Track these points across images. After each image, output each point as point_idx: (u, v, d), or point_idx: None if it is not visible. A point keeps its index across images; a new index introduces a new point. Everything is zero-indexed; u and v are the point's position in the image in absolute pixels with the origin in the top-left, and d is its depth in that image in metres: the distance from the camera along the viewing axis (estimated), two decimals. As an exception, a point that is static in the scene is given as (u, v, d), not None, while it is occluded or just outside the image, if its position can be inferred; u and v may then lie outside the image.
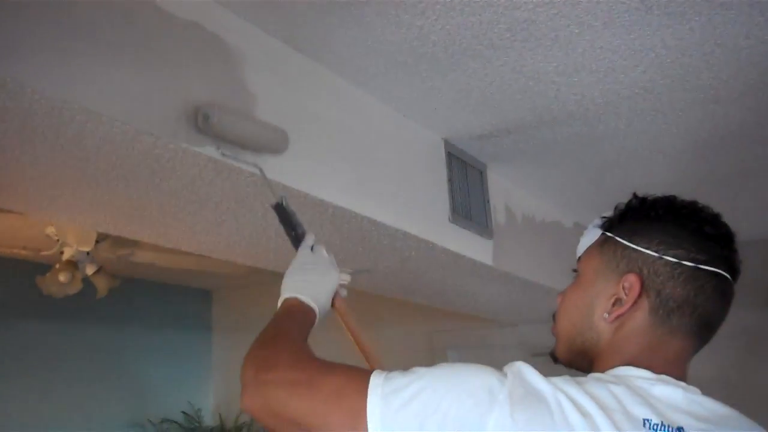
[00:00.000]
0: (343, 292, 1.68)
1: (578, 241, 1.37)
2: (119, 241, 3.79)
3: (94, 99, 1.62)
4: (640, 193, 1.33)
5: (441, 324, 5.40)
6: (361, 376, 1.15)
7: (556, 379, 1.10)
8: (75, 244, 3.75)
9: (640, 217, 1.28)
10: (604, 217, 1.34)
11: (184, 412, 6.03)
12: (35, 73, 1.51)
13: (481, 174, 3.30)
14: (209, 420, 6.23)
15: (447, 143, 3.05)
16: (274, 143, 2.08)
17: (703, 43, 2.27)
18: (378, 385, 1.12)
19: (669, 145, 3.15)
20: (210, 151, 1.89)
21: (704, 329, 1.23)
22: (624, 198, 3.31)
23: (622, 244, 1.26)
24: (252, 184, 2.12)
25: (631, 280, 1.22)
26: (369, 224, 2.55)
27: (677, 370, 1.19)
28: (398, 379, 1.12)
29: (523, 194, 3.74)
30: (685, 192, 3.71)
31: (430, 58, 2.35)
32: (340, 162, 2.40)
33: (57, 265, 3.85)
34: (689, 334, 1.21)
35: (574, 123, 2.89)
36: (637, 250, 1.24)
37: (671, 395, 1.13)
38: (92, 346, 5.48)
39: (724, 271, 1.22)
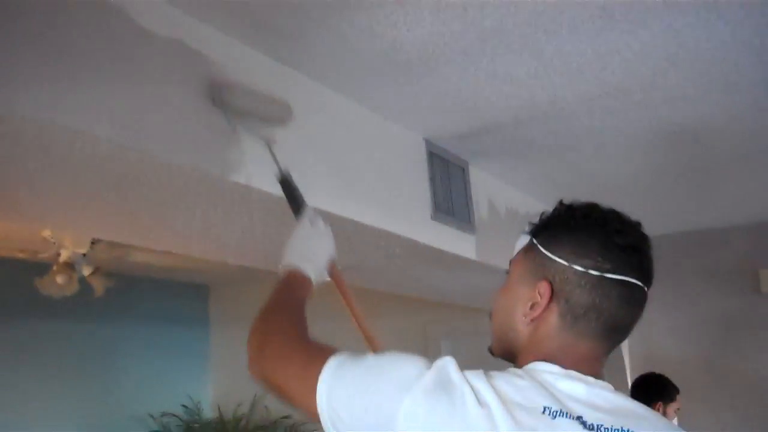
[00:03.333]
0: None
1: None
2: (115, 243, 3.88)
3: (79, 118, 1.71)
4: (567, 200, 1.41)
5: (434, 314, 5.49)
6: (328, 354, 1.29)
7: (469, 373, 1.21)
8: (71, 246, 3.85)
9: (559, 225, 1.36)
10: (532, 224, 1.43)
11: (183, 406, 6.14)
12: (23, 97, 1.61)
13: (463, 171, 3.40)
14: (209, 413, 6.34)
15: (428, 143, 3.14)
16: (280, 114, 2.22)
17: (667, 45, 2.37)
18: (332, 366, 1.26)
19: (643, 139, 3.25)
20: (196, 160, 1.99)
21: (612, 332, 1.31)
22: (604, 188, 3.40)
23: (541, 251, 1.34)
24: (237, 192, 2.22)
25: (544, 287, 1.31)
26: (352, 225, 2.64)
27: (588, 368, 1.28)
28: (349, 362, 1.27)
29: (506, 188, 3.84)
30: (663, 183, 3.80)
31: (405, 65, 2.45)
32: (322, 166, 2.49)
33: (54, 267, 3.95)
34: (596, 337, 1.30)
35: (550, 121, 2.98)
36: (551, 258, 1.32)
37: (574, 388, 1.22)
38: (91, 343, 5.58)
39: (632, 278, 1.30)
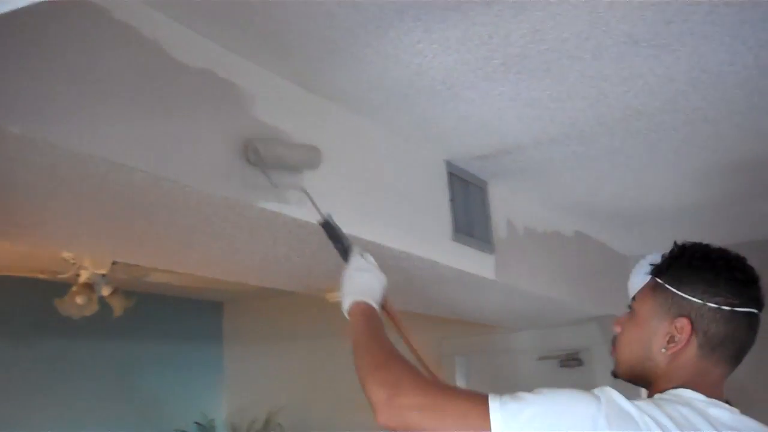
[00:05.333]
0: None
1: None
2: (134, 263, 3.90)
3: (115, 151, 1.74)
4: (680, 242, 1.62)
5: (448, 331, 5.49)
6: (481, 401, 1.40)
7: (639, 403, 1.39)
8: (91, 267, 3.86)
9: (683, 265, 1.56)
10: (652, 264, 1.61)
11: (197, 423, 6.15)
12: (61, 131, 1.63)
13: (482, 191, 3.42)
14: (222, 430, 6.35)
15: (449, 164, 3.16)
16: (312, 160, 2.28)
17: (690, 70, 2.39)
18: (497, 410, 1.37)
19: (663, 159, 3.27)
20: (227, 190, 2.02)
21: (739, 357, 1.53)
22: (623, 205, 3.46)
23: (672, 291, 1.54)
24: (263, 217, 2.24)
25: (683, 323, 1.51)
26: (374, 248, 2.65)
27: (720, 393, 1.51)
28: (512, 404, 1.38)
29: (524, 207, 3.85)
30: (679, 199, 3.78)
31: (429, 91, 2.47)
32: (344, 188, 2.51)
33: (74, 288, 3.96)
34: (728, 362, 1.52)
35: (570, 142, 3.00)
36: (685, 297, 1.51)
37: (721, 415, 1.42)
38: (108, 361, 5.61)
39: (753, 308, 1.51)
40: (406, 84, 2.42)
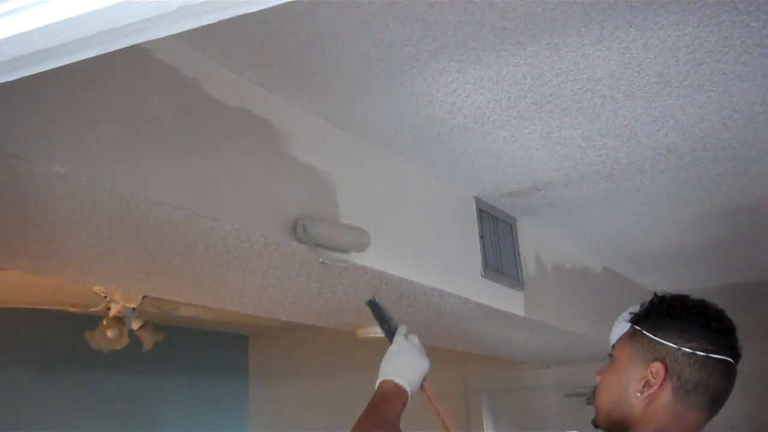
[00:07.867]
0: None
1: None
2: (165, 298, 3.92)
3: (157, 189, 1.77)
4: (660, 292, 1.68)
5: (474, 367, 5.48)
6: None
7: None
8: (121, 301, 3.89)
9: (661, 314, 1.61)
10: (632, 313, 1.67)
11: (223, 457, 6.15)
12: (105, 170, 1.66)
13: (511, 228, 3.43)
14: (248, 464, 6.35)
15: (478, 200, 3.18)
16: (360, 244, 2.34)
17: (721, 109, 2.40)
18: None
19: (693, 196, 3.27)
20: (265, 226, 2.04)
21: (714, 404, 1.56)
22: (651, 242, 3.52)
23: (648, 337, 1.59)
24: (297, 254, 2.26)
25: (657, 367, 1.55)
26: (406, 284, 2.67)
27: None
28: None
29: (552, 243, 3.86)
30: (708, 235, 3.81)
31: (461, 129, 2.50)
32: (376, 226, 2.52)
33: (104, 321, 3.99)
34: (703, 408, 1.55)
35: (600, 180, 3.02)
36: (660, 342, 1.56)
37: None
38: (133, 394, 5.62)
39: (728, 357, 1.54)
40: (439, 122, 2.44)
